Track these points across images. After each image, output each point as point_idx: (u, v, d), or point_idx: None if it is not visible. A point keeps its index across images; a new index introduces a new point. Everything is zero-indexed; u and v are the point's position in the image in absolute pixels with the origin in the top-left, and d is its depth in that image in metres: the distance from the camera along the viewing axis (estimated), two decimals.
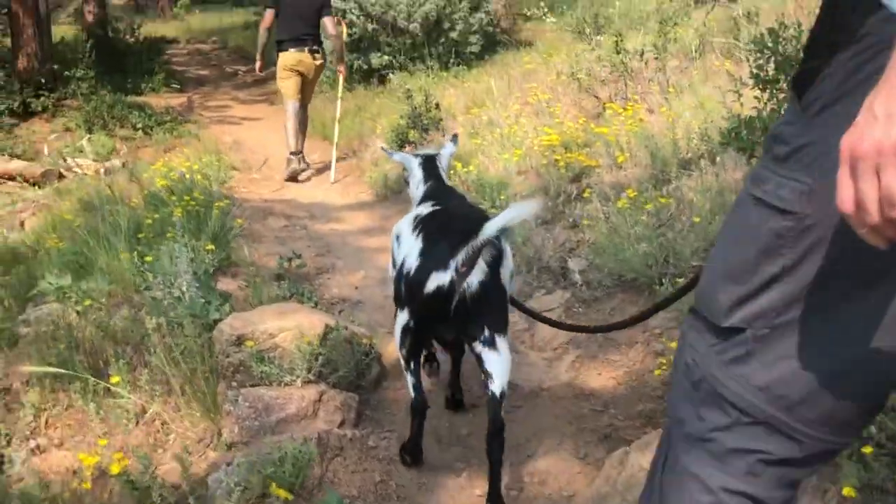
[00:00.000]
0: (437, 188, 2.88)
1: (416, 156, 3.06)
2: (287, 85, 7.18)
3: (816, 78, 1.01)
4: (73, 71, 11.40)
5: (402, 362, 2.51)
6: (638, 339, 3.32)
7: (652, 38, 5.90)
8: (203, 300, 3.27)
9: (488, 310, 2.31)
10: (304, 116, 7.46)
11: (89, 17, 14.99)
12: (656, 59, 5.74)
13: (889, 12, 0.88)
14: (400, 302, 2.48)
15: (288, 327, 2.91)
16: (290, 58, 7.06)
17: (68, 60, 12.86)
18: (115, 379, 2.76)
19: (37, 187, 9.39)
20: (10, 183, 9.66)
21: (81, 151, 10.21)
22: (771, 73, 3.50)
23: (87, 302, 3.39)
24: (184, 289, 3.30)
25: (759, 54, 3.49)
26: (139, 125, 10.48)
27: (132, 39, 15.16)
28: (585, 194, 4.33)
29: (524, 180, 5.10)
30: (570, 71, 6.24)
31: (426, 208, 2.67)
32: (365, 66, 10.62)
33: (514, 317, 3.81)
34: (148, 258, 3.76)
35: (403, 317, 2.45)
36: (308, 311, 3.15)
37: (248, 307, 3.50)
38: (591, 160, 4.83)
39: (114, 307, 3.57)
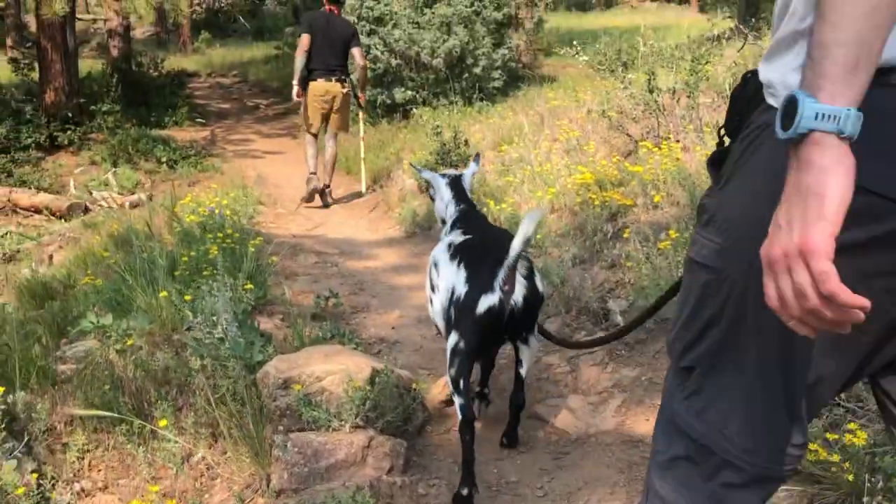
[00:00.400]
0: (466, 212, 3.20)
1: (444, 175, 3.38)
2: (311, 115, 7.43)
3: (724, 158, 1.23)
4: (99, 105, 11.54)
5: (451, 384, 2.72)
6: None
7: (683, 76, 5.89)
8: (245, 340, 3.25)
9: (531, 317, 2.75)
10: (334, 149, 7.69)
11: (114, 52, 15.18)
12: (688, 97, 5.74)
13: (767, 106, 1.12)
14: (449, 327, 2.74)
15: (334, 370, 2.88)
16: (319, 87, 7.31)
17: (94, 94, 13.04)
18: (162, 422, 2.73)
19: (63, 220, 9.46)
20: (37, 216, 9.75)
21: (107, 185, 10.30)
22: None
23: (130, 342, 3.37)
24: (225, 328, 3.28)
25: None
26: (164, 159, 10.58)
27: (156, 73, 15.34)
28: (625, 234, 4.29)
29: (559, 218, 5.09)
30: (599, 108, 6.24)
31: (458, 236, 2.96)
32: (388, 101, 10.68)
33: (555, 358, 3.80)
34: (187, 296, 3.75)
35: (454, 338, 2.69)
36: (352, 353, 3.13)
37: (287, 347, 3.47)
38: (627, 199, 4.81)
39: (154, 347, 3.55)
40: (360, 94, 7.96)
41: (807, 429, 1.26)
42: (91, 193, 9.89)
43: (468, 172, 3.40)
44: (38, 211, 9.69)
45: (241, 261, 4.35)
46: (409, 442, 2.92)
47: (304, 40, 7.23)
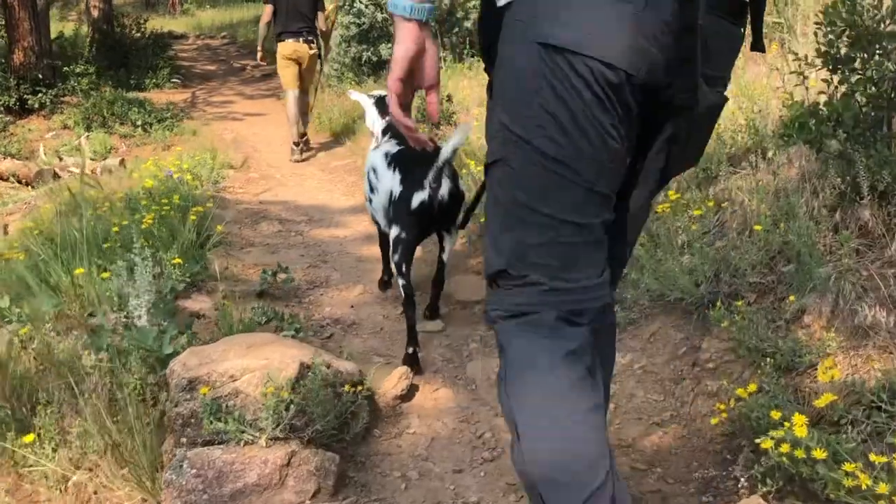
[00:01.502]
0: (392, 125, 3.36)
1: (371, 96, 3.81)
2: (286, 73, 7.66)
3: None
4: (72, 66, 10.89)
5: (395, 267, 3.20)
6: (685, 373, 2.71)
7: None
8: (159, 328, 2.69)
9: (454, 211, 3.15)
10: (303, 102, 7.97)
11: (94, 13, 14.45)
12: None
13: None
14: (390, 221, 3.22)
15: (253, 367, 2.33)
16: (287, 47, 7.57)
17: (69, 56, 12.39)
18: (27, 437, 2.18)
19: (31, 188, 8.89)
20: (4, 183, 9.18)
21: (79, 150, 9.70)
22: (844, 50, 2.87)
23: (24, 329, 2.82)
24: (138, 314, 2.72)
25: (829, 28, 2.86)
26: (139, 122, 9.94)
27: (138, 35, 14.64)
28: None
29: None
30: None
31: (392, 146, 3.36)
32: (374, 58, 10.02)
33: None
34: (105, 274, 3.19)
35: (396, 231, 3.17)
36: (283, 343, 2.56)
37: (218, 334, 2.92)
38: None
39: (64, 334, 2.99)
40: (323, 48, 8.27)
41: (603, 263, 1.37)
42: (61, 159, 9.30)
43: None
44: (4, 178, 9.12)
45: (179, 231, 3.78)
46: (347, 453, 2.37)
47: (267, 10, 7.68)
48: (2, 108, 10.23)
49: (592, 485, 1.26)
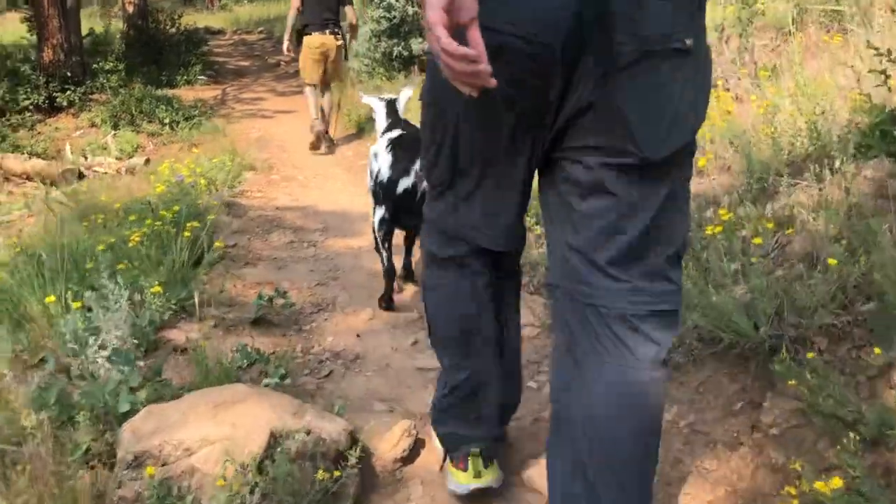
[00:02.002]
0: (401, 121, 3.63)
1: (381, 99, 3.82)
2: (310, 67, 7.51)
3: None
4: (101, 63, 10.62)
5: (378, 242, 3.39)
6: (743, 437, 2.21)
7: (733, 10, 4.70)
8: (122, 375, 2.27)
9: None
10: (331, 98, 7.86)
11: (130, 9, 14.20)
12: (740, 36, 4.56)
13: None
14: (378, 201, 3.30)
15: (214, 437, 1.89)
16: (314, 40, 7.41)
17: (99, 53, 12.14)
18: None
19: (54, 188, 8.62)
20: (30, 184, 8.92)
21: (105, 149, 9.41)
22: None
23: None
24: (96, 357, 2.31)
25: None
26: (166, 120, 9.62)
27: (172, 30, 14.35)
28: None
29: None
30: None
31: (395, 133, 3.45)
32: (405, 53, 9.57)
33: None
34: (76, 304, 2.78)
35: (381, 211, 3.29)
36: (259, 400, 2.12)
37: (194, 378, 2.49)
38: None
39: (23, 376, 2.59)
40: (348, 41, 8.15)
41: (520, 226, 1.75)
42: (86, 158, 9.01)
43: (402, 97, 3.82)
44: (30, 178, 8.87)
45: (170, 249, 3.37)
46: None
47: (295, 2, 7.46)
48: (31, 107, 9.99)
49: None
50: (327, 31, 7.36)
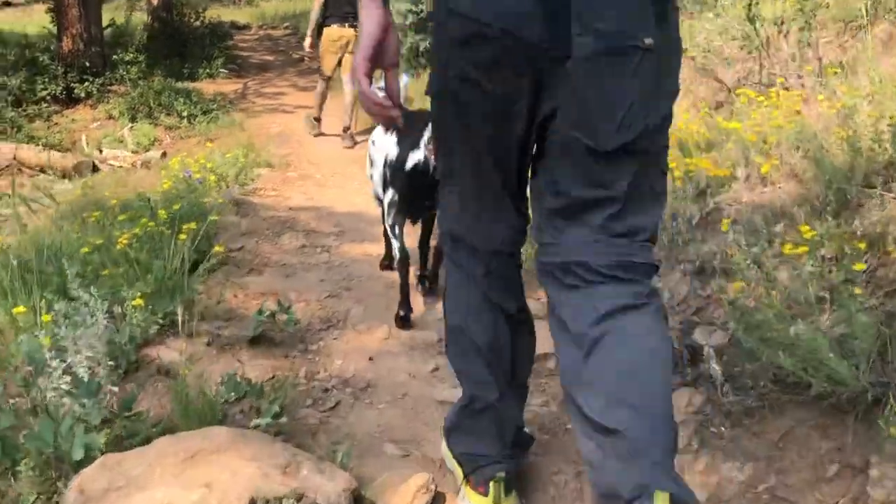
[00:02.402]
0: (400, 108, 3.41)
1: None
2: (328, 59, 7.62)
3: None
4: (121, 55, 10.28)
5: (389, 230, 3.15)
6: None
7: (792, 2, 4.23)
8: (81, 413, 1.86)
9: None
10: (352, 91, 7.48)
11: (154, 1, 13.90)
12: (802, 29, 4.08)
13: None
14: (387, 184, 3.04)
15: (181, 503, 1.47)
16: (333, 33, 7.49)
17: (120, 44, 11.82)
18: None
19: (68, 181, 8.28)
20: (43, 176, 8.59)
21: (122, 141, 9.07)
22: None
23: None
24: (48, 388, 1.89)
25: None
26: (184, 113, 9.26)
27: (197, 23, 14.03)
28: (723, 226, 2.75)
29: None
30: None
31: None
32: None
33: None
34: (46, 316, 2.38)
35: (390, 195, 3.04)
36: (242, 449, 1.69)
37: (173, 410, 2.07)
38: (721, 169, 3.24)
39: None
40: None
41: (522, 214, 1.68)
42: (101, 151, 8.67)
43: (401, 83, 3.36)
44: (44, 170, 8.54)
45: (160, 254, 2.96)
46: None
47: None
48: (48, 97, 9.68)
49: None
50: (346, 25, 7.40)
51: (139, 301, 2.46)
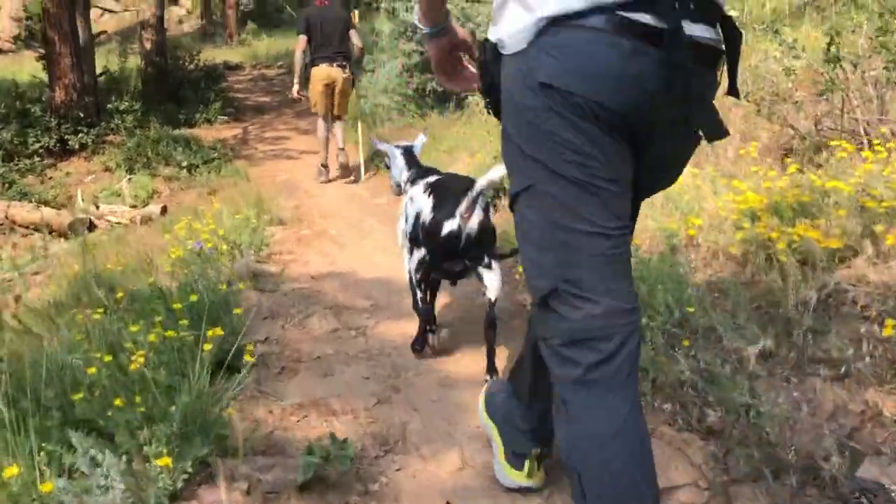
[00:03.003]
0: (427, 168, 3.48)
1: (398, 146, 3.63)
2: (317, 98, 7.55)
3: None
4: (116, 103, 9.76)
5: (413, 283, 3.11)
6: None
7: (876, 40, 3.73)
8: None
9: (487, 243, 2.95)
10: (343, 128, 7.78)
11: (147, 45, 13.39)
12: (886, 69, 3.59)
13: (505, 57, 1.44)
14: (417, 243, 3.02)
15: None
16: (321, 72, 7.45)
17: (116, 91, 11.31)
18: None
19: (64, 240, 7.72)
20: (38, 235, 8.03)
21: (119, 195, 8.53)
22: None
23: None
24: None
25: None
26: (184, 163, 8.73)
27: (191, 66, 13.54)
28: (870, 315, 2.22)
29: (710, 272, 3.02)
30: (741, 87, 4.13)
31: (432, 178, 3.23)
32: (439, 89, 8.65)
33: None
34: (44, 487, 1.82)
35: (420, 253, 3.02)
36: None
37: None
38: (833, 240, 2.73)
39: None
40: (356, 77, 8.04)
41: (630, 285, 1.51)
42: (98, 207, 8.12)
43: (418, 144, 3.66)
44: (38, 229, 7.98)
45: (187, 374, 2.40)
46: None
47: (302, 41, 7.48)
48: (41, 150, 9.14)
49: None
50: (335, 64, 7.40)
51: (166, 461, 1.90)
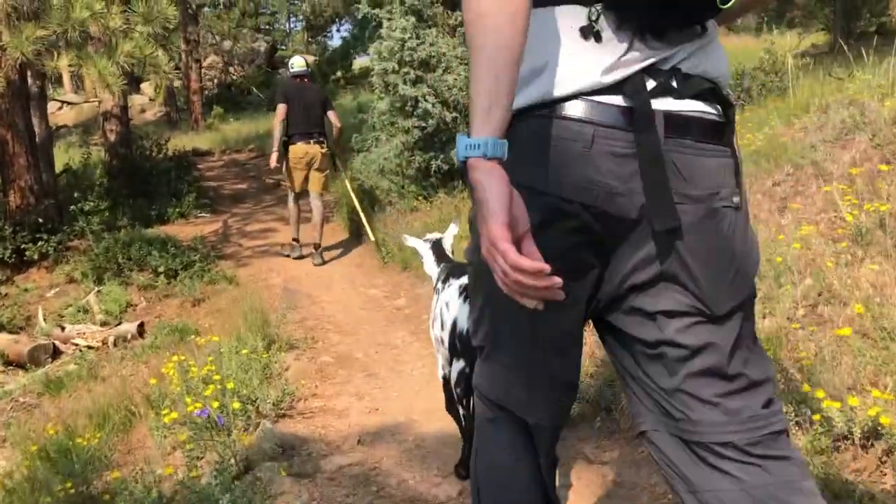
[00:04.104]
0: (458, 264, 3.03)
1: (427, 241, 3.29)
2: (294, 176, 7.23)
3: None
4: (80, 204, 8.46)
5: (453, 398, 2.72)
6: None
7: None
8: None
9: None
10: (320, 209, 7.37)
11: (111, 136, 12.14)
12: None
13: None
14: (456, 353, 2.67)
15: None
16: (298, 150, 7.11)
17: (80, 189, 10.02)
18: None
19: (22, 372, 6.33)
20: None
21: (87, 311, 7.16)
22: None
23: None
24: None
25: None
26: (160, 268, 7.42)
27: (160, 156, 12.30)
28: None
29: None
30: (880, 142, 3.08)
31: (464, 280, 2.80)
32: (445, 167, 7.56)
33: None
34: None
35: (460, 364, 2.65)
36: None
37: None
38: None
39: None
40: (337, 155, 7.76)
41: (573, 380, 1.43)
42: (63, 328, 6.74)
43: (447, 235, 3.32)
44: None
45: None
46: None
47: (281, 110, 7.12)
48: None
49: None
50: (312, 141, 7.09)
51: None
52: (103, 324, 6.88)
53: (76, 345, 6.60)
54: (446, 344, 2.78)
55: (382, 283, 6.38)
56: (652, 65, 1.23)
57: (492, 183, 1.09)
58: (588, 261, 1.27)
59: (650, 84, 1.22)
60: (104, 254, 7.73)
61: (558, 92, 1.22)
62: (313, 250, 7.31)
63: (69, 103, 18.95)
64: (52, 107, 23.04)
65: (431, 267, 3.19)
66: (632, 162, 1.21)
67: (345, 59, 23.40)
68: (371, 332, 5.00)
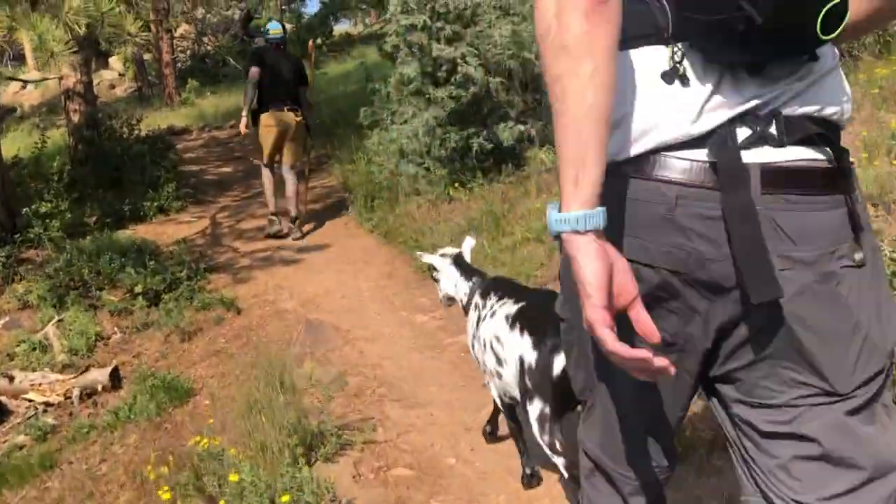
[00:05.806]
0: (493, 281, 2.74)
1: (444, 256, 3.00)
2: (267, 143, 6.46)
3: None
4: (33, 206, 6.55)
5: (547, 448, 2.26)
6: None
7: None
8: None
9: None
10: (294, 181, 6.58)
11: (75, 117, 10.08)
12: None
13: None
14: (530, 396, 2.29)
15: None
16: (270, 117, 6.41)
17: (34, 182, 8.09)
18: None
19: None
20: None
21: (45, 350, 5.31)
22: None
23: None
24: None
25: None
26: (138, 288, 5.58)
27: (132, 138, 10.28)
28: None
29: None
30: None
31: (509, 307, 2.47)
32: (489, 145, 5.78)
33: None
34: None
35: (538, 405, 2.27)
36: None
37: None
38: None
39: None
40: (311, 128, 6.97)
41: (672, 451, 1.26)
42: (12, 379, 4.89)
43: (465, 248, 2.99)
44: None
45: None
46: None
47: (254, 72, 6.44)
48: None
49: None
50: (285, 108, 6.42)
51: None
52: (65, 367, 5.06)
53: (30, 401, 4.78)
54: (506, 379, 2.44)
55: (428, 305, 4.64)
56: (746, 111, 1.04)
57: (587, 261, 0.96)
58: (693, 333, 1.10)
59: (743, 133, 1.04)
60: (66, 268, 5.88)
61: (636, 149, 1.07)
62: (291, 224, 6.59)
63: (30, 82, 16.64)
64: (12, 88, 20.68)
65: (456, 283, 2.87)
66: (718, 224, 1.05)
67: (324, 26, 21.30)
68: (448, 403, 3.27)
